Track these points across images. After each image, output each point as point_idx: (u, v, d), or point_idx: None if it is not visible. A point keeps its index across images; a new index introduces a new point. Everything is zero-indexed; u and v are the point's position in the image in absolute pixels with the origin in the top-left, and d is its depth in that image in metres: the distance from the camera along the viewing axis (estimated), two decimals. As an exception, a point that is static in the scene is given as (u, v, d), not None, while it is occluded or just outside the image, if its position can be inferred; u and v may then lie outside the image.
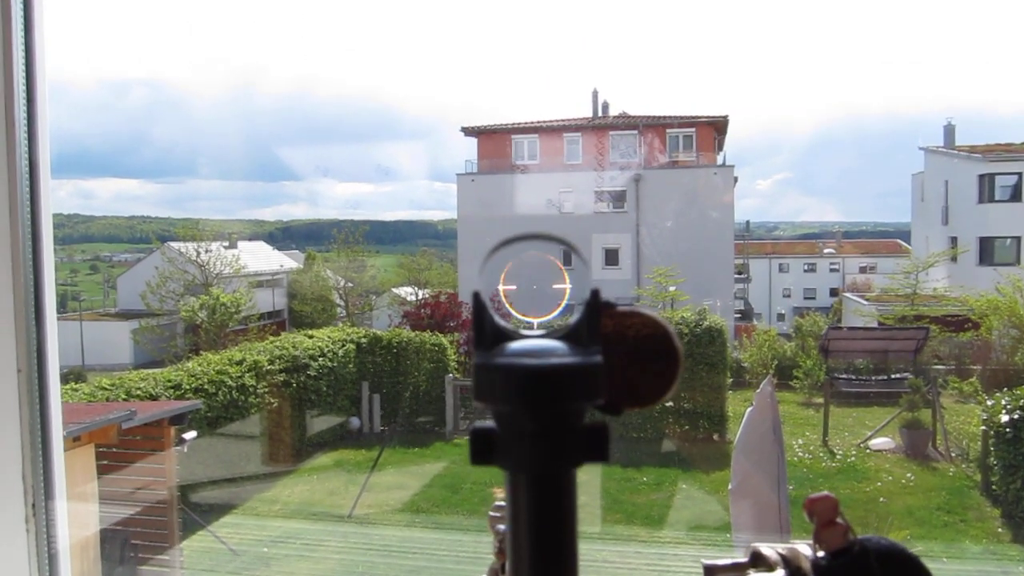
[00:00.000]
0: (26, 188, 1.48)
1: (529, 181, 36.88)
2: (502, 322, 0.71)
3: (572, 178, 37.17)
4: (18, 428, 1.45)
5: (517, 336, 0.70)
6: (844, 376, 19.98)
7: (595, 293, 0.71)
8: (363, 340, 18.99)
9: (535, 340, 0.69)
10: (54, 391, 1.54)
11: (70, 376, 24.15)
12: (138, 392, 12.50)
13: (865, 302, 31.38)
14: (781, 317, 57.85)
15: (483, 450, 0.66)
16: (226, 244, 45.61)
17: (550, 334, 0.71)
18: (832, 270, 68.06)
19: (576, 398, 0.65)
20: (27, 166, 1.50)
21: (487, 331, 0.70)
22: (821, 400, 18.04)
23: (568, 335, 0.69)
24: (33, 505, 1.46)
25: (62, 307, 61.31)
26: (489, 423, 0.67)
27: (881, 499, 13.20)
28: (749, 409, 8.01)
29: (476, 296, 0.72)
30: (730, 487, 7.87)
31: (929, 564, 0.79)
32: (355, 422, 18.42)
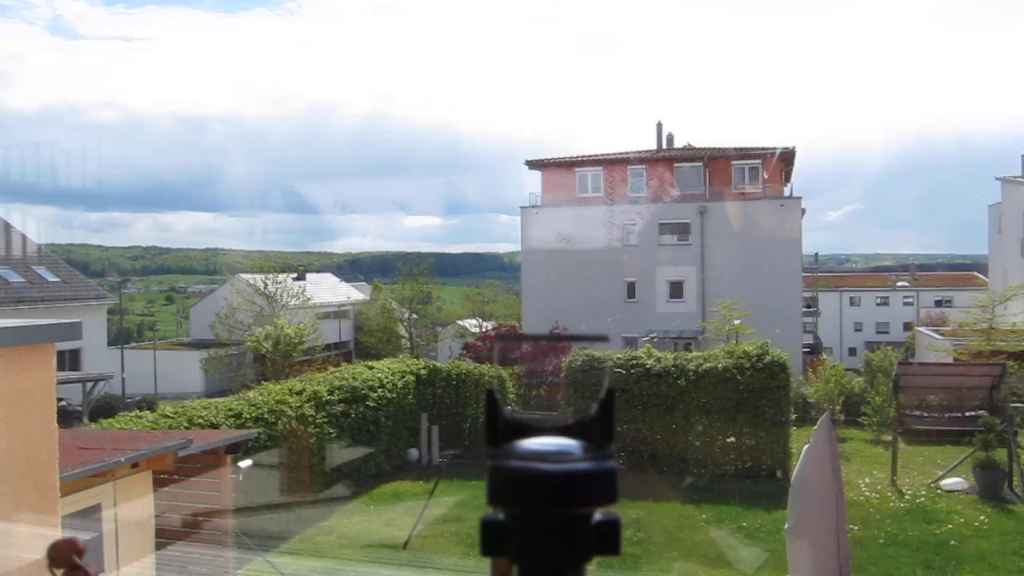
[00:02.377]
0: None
1: (593, 213, 36.82)
2: (516, 415, 0.72)
3: (637, 210, 36.99)
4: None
5: (531, 431, 0.72)
6: (915, 413, 19.34)
7: (611, 394, 0.73)
8: (423, 371, 19.09)
9: (549, 438, 0.71)
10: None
11: (142, 404, 24.81)
12: (200, 420, 12.74)
13: (939, 336, 30.42)
14: (852, 351, 56.53)
15: (494, 541, 0.68)
16: (294, 276, 46.52)
17: (564, 429, 0.72)
18: (906, 303, 66.29)
19: (589, 504, 0.67)
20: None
21: (499, 427, 0.72)
22: (890, 438, 17.47)
23: (581, 430, 0.71)
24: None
25: (139, 337, 63.11)
26: (499, 515, 0.68)
27: (952, 542, 12.65)
28: (806, 446, 7.77)
29: (490, 394, 0.73)
30: (786, 527, 7.65)
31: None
32: (413, 453, 18.48)
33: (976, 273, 61.05)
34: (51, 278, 34.65)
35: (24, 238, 35.89)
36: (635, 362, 17.30)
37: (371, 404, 16.94)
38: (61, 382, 24.23)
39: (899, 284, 70.02)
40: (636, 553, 12.46)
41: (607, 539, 0.69)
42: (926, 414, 19.34)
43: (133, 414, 12.96)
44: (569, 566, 0.68)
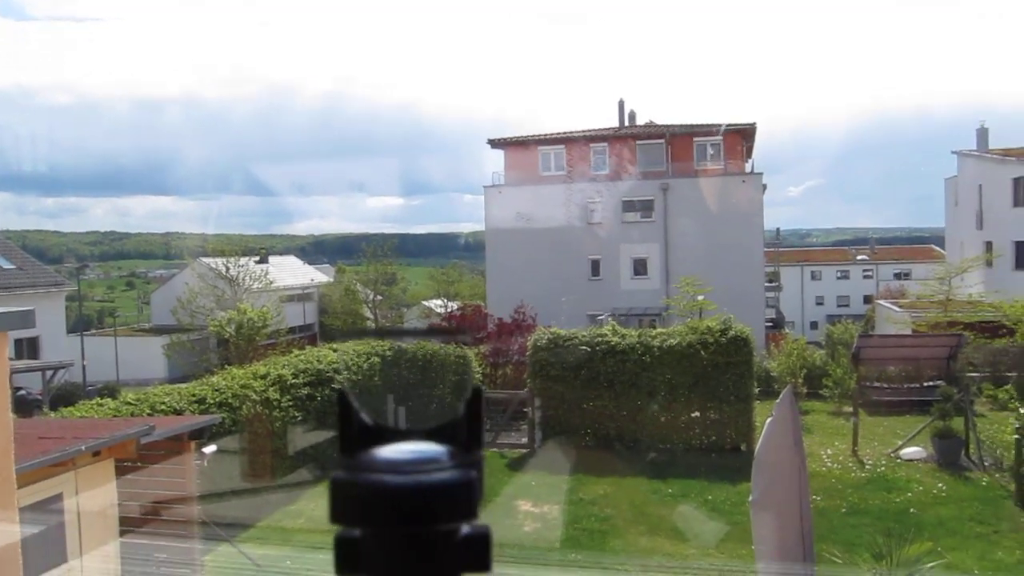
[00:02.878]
0: None
1: (556, 192, 36.81)
2: (371, 421, 0.65)
3: (599, 188, 37.05)
4: None
5: (388, 437, 0.64)
6: (875, 384, 19.67)
7: (477, 392, 0.66)
8: (388, 353, 19.02)
9: (406, 444, 0.63)
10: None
11: (103, 391, 24.47)
12: (163, 407, 12.60)
13: (898, 309, 30.93)
14: (815, 325, 57.27)
15: (349, 560, 0.61)
16: (256, 259, 46.06)
17: (429, 434, 0.64)
18: (866, 277, 67.32)
19: (444, 521, 0.60)
20: None
21: (353, 433, 0.64)
22: (851, 409, 17.76)
23: (447, 434, 0.64)
24: None
25: (99, 323, 62.17)
26: (355, 532, 0.61)
27: (912, 510, 12.93)
28: (769, 419, 7.88)
29: (341, 396, 0.67)
30: (750, 499, 7.74)
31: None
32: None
33: (934, 246, 62.13)
34: (6, 265, 33.95)
35: (-24, 225, 35.13)
36: (600, 339, 17.37)
37: (336, 387, 16.85)
38: (19, 371, 23.81)
39: (859, 258, 71.05)
40: (603, 529, 12.58)
41: (475, 556, 0.61)
42: (886, 385, 19.69)
43: (94, 402, 12.79)
44: None
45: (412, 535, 0.59)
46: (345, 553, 0.61)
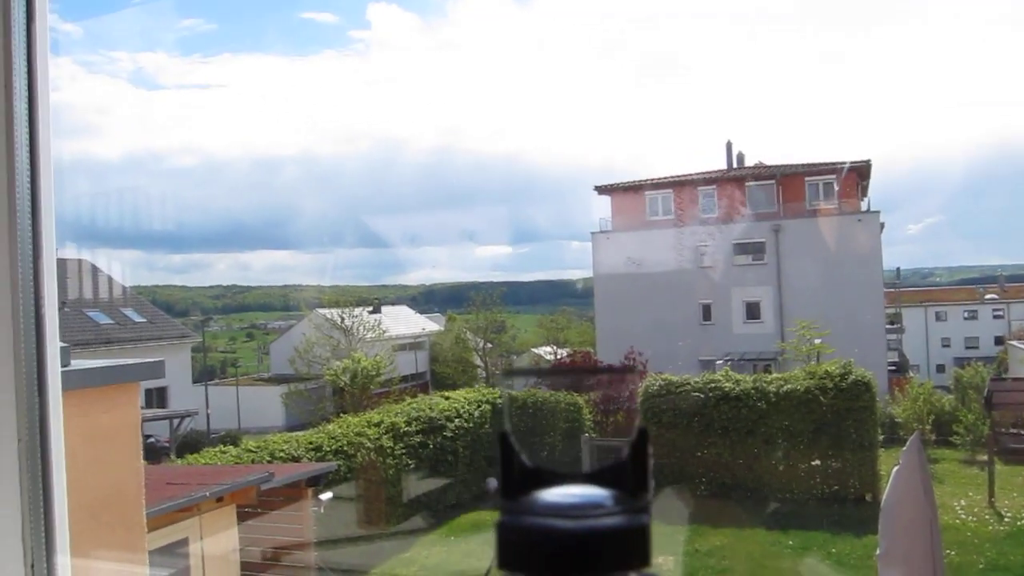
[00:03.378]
0: (29, 251, 1.55)
1: (664, 236, 36.51)
2: (532, 463, 0.63)
3: (708, 231, 36.57)
4: (18, 494, 1.51)
5: (551, 478, 0.61)
6: (1011, 431, 18.57)
7: (642, 434, 0.63)
8: (499, 401, 19.09)
9: (572, 488, 0.60)
10: (56, 457, 1.58)
11: (226, 439, 25.34)
12: (281, 454, 12.96)
13: (1033, 351, 29.22)
14: (941, 368, 54.62)
15: None
16: (370, 309, 47.16)
17: (593, 477, 0.61)
18: (996, 317, 63.87)
19: (614, 569, 0.57)
20: (30, 227, 1.57)
21: (515, 476, 0.62)
22: (985, 457, 16.77)
23: (611, 478, 0.61)
24: (32, 565, 1.50)
25: (222, 373, 64.72)
26: None
27: (1058, 566, 12.07)
28: (896, 467, 7.50)
29: (503, 437, 0.64)
30: (877, 553, 7.37)
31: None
32: (492, 483, 18.43)
33: (1070, 283, 58.65)
34: (137, 319, 35.85)
35: (111, 281, 37.25)
36: (713, 385, 17.00)
37: (448, 434, 16.99)
38: (148, 419, 24.94)
39: (987, 297, 67.56)
40: (721, 582, 12.18)
41: None
42: (1023, 432, 18.56)
43: (217, 449, 13.28)
44: None
45: None
46: None
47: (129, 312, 36.06)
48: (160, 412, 29.24)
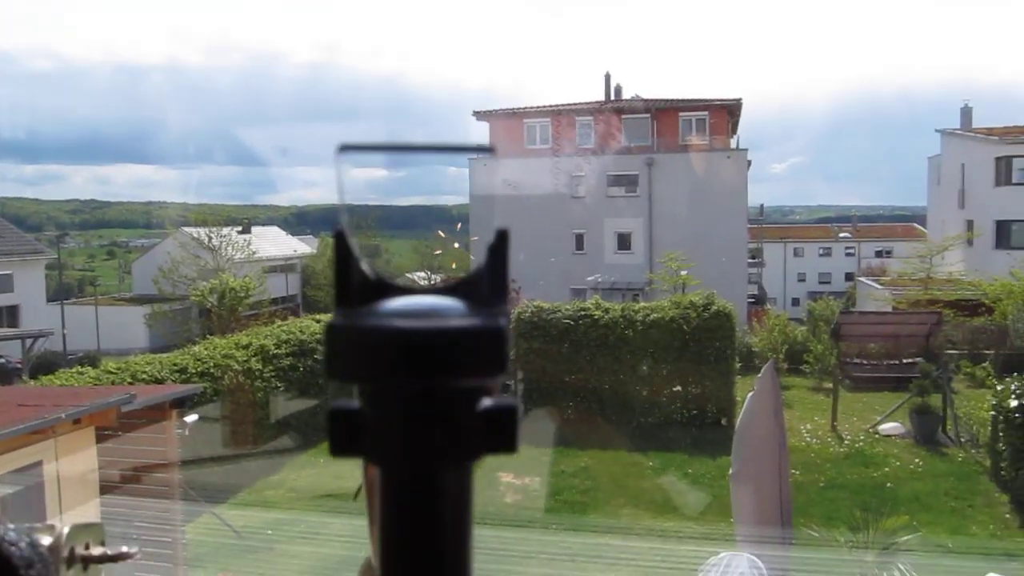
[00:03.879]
0: None
1: (541, 164, 36.68)
2: (375, 272, 0.50)
3: (584, 162, 36.95)
4: None
5: (395, 291, 0.49)
6: (855, 361, 19.84)
7: (502, 235, 0.52)
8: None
9: (419, 296, 0.49)
10: None
11: (84, 360, 24.34)
12: (144, 376, 12.55)
13: (879, 286, 31.14)
14: (796, 302, 57.57)
15: (347, 438, 0.47)
16: (239, 229, 45.75)
17: (441, 287, 0.49)
18: (848, 254, 67.64)
19: (471, 373, 0.47)
20: None
21: (353, 283, 0.50)
22: (831, 385, 17.91)
23: (465, 289, 0.49)
24: None
25: (80, 292, 61.73)
26: (354, 402, 0.47)
27: (888, 484, 13.10)
28: (750, 393, 7.93)
29: (339, 236, 0.51)
30: (731, 472, 7.81)
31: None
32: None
33: (916, 224, 62.42)
34: (-16, 232, 33.64)
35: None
36: (583, 313, 17.40)
37: (319, 357, 16.80)
38: (-2, 339, 23.63)
39: (841, 236, 71.33)
40: (584, 501, 12.68)
41: (500, 431, 0.48)
42: (865, 362, 19.85)
43: (74, 370, 12.73)
44: (448, 467, 0.47)
45: (427, 392, 0.46)
46: (341, 430, 0.47)
47: (-25, 225, 33.78)
48: (11, 331, 27.78)
